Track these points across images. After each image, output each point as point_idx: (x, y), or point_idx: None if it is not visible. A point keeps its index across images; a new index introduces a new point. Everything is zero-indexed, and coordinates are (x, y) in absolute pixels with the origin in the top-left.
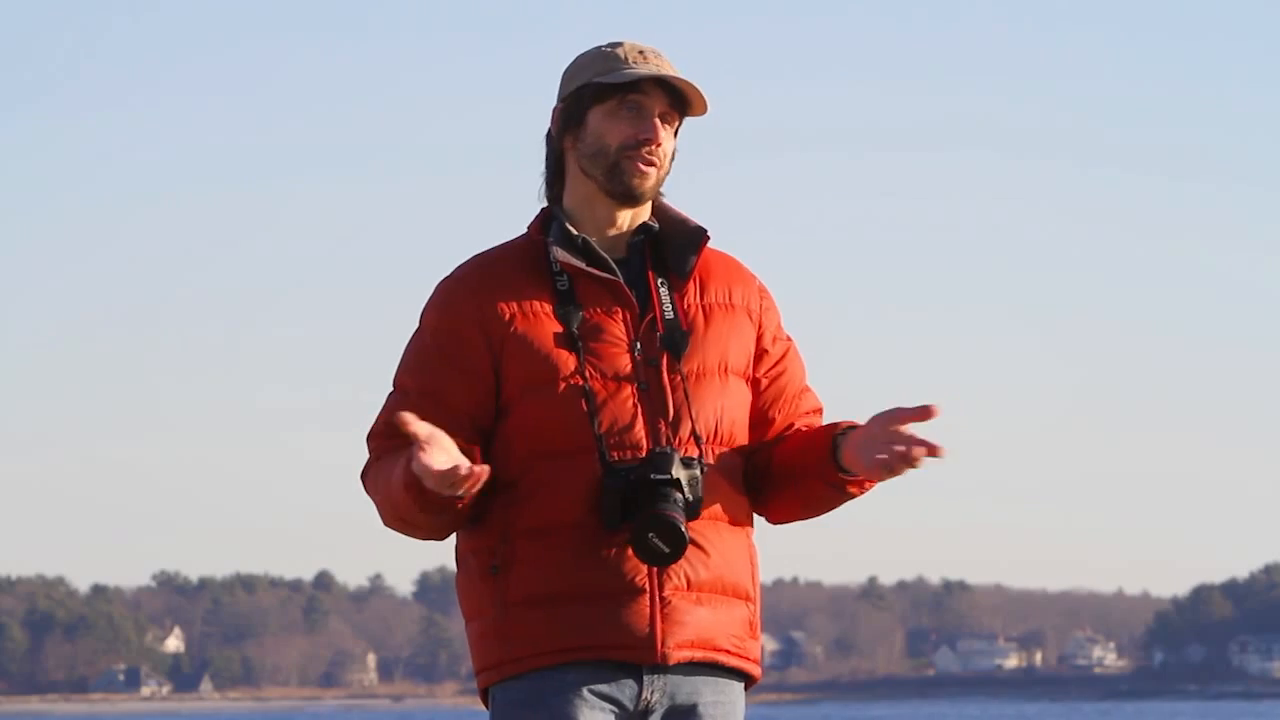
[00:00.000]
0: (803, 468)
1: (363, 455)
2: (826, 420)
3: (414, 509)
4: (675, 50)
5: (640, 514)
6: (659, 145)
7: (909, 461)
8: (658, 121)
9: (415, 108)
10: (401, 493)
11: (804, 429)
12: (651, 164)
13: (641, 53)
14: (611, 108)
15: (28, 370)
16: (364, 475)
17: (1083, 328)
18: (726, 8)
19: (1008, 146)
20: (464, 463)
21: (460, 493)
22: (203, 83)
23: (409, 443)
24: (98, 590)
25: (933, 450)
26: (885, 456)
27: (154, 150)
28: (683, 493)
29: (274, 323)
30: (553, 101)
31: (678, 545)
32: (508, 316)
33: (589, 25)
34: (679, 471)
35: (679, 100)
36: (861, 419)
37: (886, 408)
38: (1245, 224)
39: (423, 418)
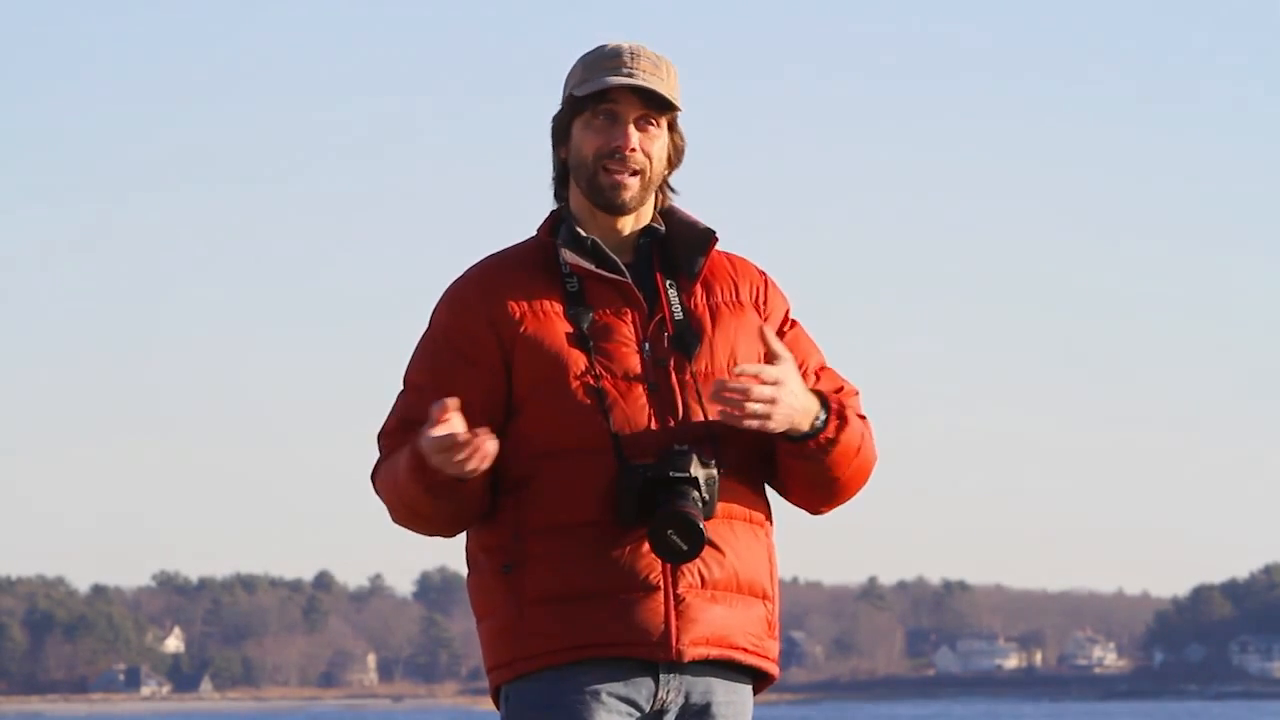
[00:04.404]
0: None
1: (363, 454)
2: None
3: (420, 494)
4: (682, 47)
5: (659, 511)
6: (633, 151)
7: (735, 404)
8: (631, 128)
9: (418, 107)
10: (407, 476)
11: None
12: (628, 171)
13: (621, 56)
14: (587, 118)
15: (27, 370)
16: (374, 474)
17: (1083, 327)
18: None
19: (1008, 145)
20: (462, 431)
21: (467, 469)
22: (201, 81)
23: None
24: (98, 590)
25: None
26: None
27: (156, 149)
28: (700, 492)
29: (274, 322)
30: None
31: (696, 543)
32: (518, 316)
33: (600, 23)
34: (697, 470)
35: (656, 100)
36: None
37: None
38: (1246, 224)
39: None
